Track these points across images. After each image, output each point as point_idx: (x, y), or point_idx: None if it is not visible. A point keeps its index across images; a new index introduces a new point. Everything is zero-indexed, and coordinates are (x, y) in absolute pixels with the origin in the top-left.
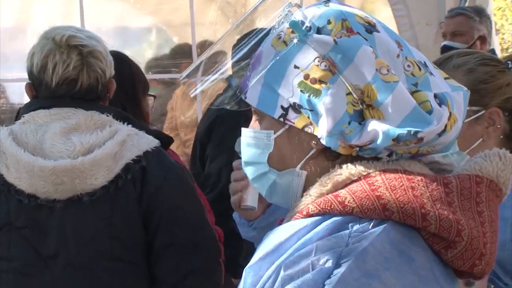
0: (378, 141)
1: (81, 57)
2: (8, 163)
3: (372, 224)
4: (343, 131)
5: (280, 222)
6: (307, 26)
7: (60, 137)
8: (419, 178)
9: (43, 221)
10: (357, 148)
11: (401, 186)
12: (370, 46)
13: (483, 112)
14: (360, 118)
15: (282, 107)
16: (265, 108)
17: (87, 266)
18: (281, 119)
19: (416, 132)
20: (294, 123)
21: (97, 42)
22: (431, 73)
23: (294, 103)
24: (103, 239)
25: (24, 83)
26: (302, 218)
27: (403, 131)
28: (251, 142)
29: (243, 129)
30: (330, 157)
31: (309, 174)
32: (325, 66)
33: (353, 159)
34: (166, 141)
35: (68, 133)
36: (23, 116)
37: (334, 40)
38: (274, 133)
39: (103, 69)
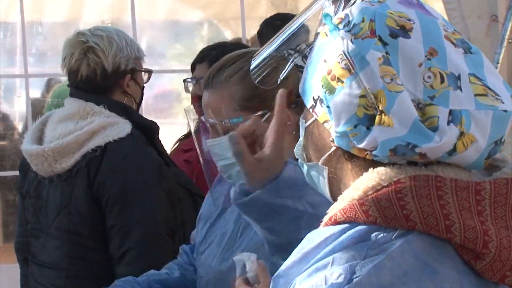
0: (377, 150)
1: (82, 52)
2: None
3: (395, 234)
4: (348, 134)
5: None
6: (346, 21)
7: (55, 124)
8: (448, 185)
9: (39, 193)
10: (369, 152)
11: (427, 195)
12: (386, 52)
13: (268, 114)
14: (370, 122)
15: (313, 98)
16: (303, 96)
17: (57, 236)
18: (311, 110)
19: (414, 146)
20: (318, 116)
21: (103, 39)
22: (458, 87)
23: (318, 96)
24: (64, 215)
25: None
26: (330, 225)
27: (401, 143)
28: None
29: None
30: (348, 157)
31: (331, 171)
32: (345, 64)
33: (380, 163)
34: (151, 132)
35: (62, 121)
36: None
37: (351, 40)
38: (305, 123)
39: (101, 63)
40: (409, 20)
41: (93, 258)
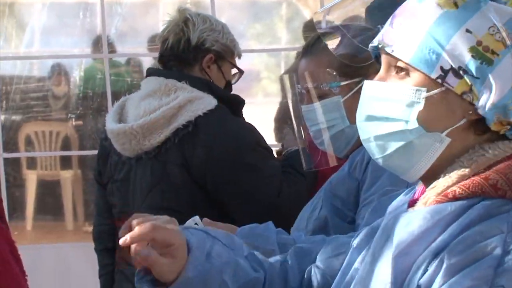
0: None
1: (177, 23)
2: None
3: None
4: (507, 106)
5: (411, 205)
6: None
7: (138, 102)
8: None
9: (126, 175)
10: (509, 127)
11: None
12: None
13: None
14: None
15: (442, 68)
16: (420, 66)
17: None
18: (439, 80)
19: None
20: (453, 87)
21: (199, 16)
22: None
23: (460, 67)
24: (157, 192)
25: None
26: (447, 201)
27: None
28: (387, 96)
29: (369, 82)
30: (478, 131)
31: (450, 144)
32: (499, 37)
33: (497, 138)
34: (236, 105)
35: (145, 99)
36: None
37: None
38: (427, 92)
39: (188, 34)
40: None
41: None
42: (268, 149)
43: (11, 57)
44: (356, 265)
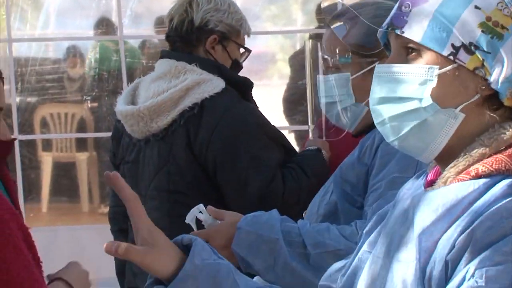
0: None
1: (182, 3)
2: None
3: None
4: None
5: (429, 184)
6: None
7: (148, 85)
8: None
9: (135, 157)
10: None
11: None
12: None
13: (377, 63)
14: None
15: (453, 45)
16: (432, 44)
17: (156, 196)
18: (451, 57)
19: None
20: (465, 63)
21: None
22: None
23: (470, 43)
24: (163, 174)
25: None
26: (470, 179)
27: None
28: (399, 77)
29: (381, 65)
30: (491, 107)
31: (465, 120)
32: (507, 12)
33: (510, 114)
34: (245, 88)
35: (155, 81)
36: None
37: None
38: (439, 69)
39: (191, 15)
40: None
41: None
42: (274, 138)
43: (26, 39)
44: (365, 247)
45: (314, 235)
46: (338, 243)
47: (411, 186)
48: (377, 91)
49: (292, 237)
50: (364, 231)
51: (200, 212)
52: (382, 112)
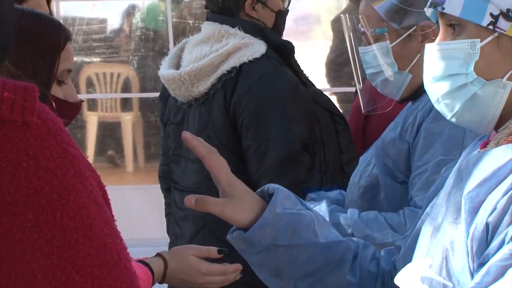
0: None
1: None
2: None
3: None
4: None
5: (484, 146)
6: None
7: (192, 48)
8: None
9: (180, 119)
10: None
11: None
12: None
13: (415, 27)
14: None
15: (491, 14)
16: (471, 17)
17: (196, 160)
18: (490, 27)
19: None
20: (505, 30)
21: None
22: None
23: (508, 9)
24: (203, 138)
25: None
26: None
27: None
28: (445, 55)
29: (429, 45)
30: None
31: None
32: None
33: None
34: (286, 53)
35: (198, 45)
36: None
37: None
38: (481, 41)
39: None
40: None
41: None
42: (305, 111)
43: None
44: (427, 209)
45: (363, 228)
46: (386, 237)
47: (471, 147)
48: (428, 71)
49: (341, 230)
50: (427, 194)
51: None
52: (435, 91)
